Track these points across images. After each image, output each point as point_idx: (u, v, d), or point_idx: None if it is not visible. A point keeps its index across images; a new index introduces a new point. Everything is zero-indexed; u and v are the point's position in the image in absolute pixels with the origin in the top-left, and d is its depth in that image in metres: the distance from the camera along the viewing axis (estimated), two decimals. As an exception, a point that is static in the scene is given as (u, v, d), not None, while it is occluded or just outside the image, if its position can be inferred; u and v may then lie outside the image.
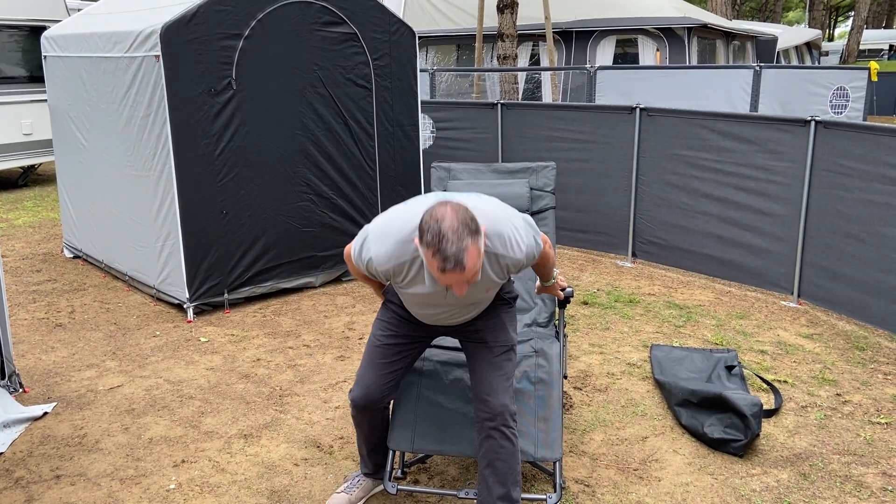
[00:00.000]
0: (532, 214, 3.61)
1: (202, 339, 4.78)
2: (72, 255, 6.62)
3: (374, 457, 3.03)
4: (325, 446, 3.51)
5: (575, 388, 4.09)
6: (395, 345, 2.84)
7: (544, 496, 2.70)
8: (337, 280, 5.91)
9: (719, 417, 3.52)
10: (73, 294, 5.67)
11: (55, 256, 6.69)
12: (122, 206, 5.54)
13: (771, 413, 3.79)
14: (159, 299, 5.43)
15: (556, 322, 3.46)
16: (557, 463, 2.87)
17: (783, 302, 5.41)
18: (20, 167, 10.19)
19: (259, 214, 5.30)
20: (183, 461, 3.39)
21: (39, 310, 5.34)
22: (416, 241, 2.29)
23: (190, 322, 5.07)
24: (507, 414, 2.64)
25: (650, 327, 4.96)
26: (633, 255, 6.38)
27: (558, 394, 2.97)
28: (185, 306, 5.11)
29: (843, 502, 3.08)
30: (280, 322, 5.08)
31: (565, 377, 3.32)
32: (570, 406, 3.87)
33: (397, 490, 2.81)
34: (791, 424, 3.70)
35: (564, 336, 3.49)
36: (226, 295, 5.24)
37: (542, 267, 2.95)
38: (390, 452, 2.97)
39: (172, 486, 3.19)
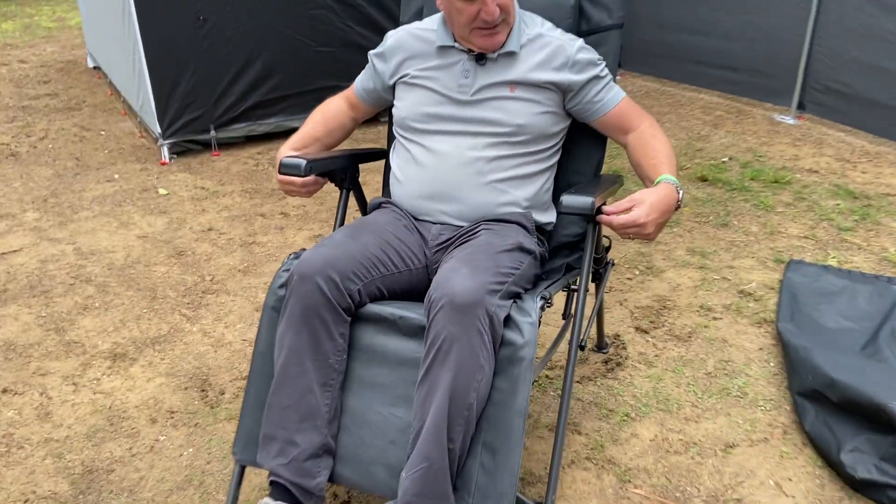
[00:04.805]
0: (580, 36, 1.94)
1: (161, 191, 3.63)
2: (93, 66, 5.62)
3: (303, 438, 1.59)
4: (214, 391, 2.30)
5: (637, 329, 2.56)
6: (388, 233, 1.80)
7: None
8: (374, 120, 4.46)
9: (873, 439, 1.92)
10: (62, 114, 4.66)
11: (76, 65, 5.72)
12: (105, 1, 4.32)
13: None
14: (147, 130, 4.31)
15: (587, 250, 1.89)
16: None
17: None
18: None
19: (252, 24, 3.88)
20: (4, 391, 2.31)
21: (7, 132, 4.39)
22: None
23: (164, 164, 3.92)
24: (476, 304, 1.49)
25: (797, 228, 3.21)
26: (801, 106, 4.42)
27: (523, 403, 1.51)
28: (158, 143, 3.95)
29: None
30: (271, 175, 3.82)
31: (581, 348, 1.82)
32: (617, 364, 2.38)
33: None
34: None
35: (605, 268, 1.96)
36: (213, 132, 4.00)
37: (645, 145, 1.82)
38: (235, 468, 1.70)
39: (-44, 439, 2.12)
